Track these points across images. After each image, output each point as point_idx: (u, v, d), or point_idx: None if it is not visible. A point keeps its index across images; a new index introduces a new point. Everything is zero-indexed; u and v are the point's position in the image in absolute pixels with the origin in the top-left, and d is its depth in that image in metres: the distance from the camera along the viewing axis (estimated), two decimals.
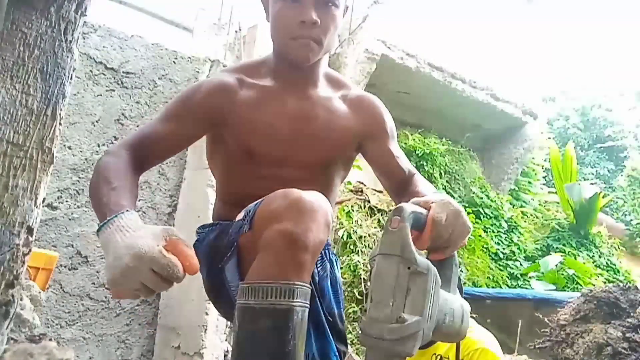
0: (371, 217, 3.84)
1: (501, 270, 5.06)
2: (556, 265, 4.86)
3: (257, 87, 1.18)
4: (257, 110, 1.15)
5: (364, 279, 3.26)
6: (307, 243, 0.86)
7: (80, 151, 2.87)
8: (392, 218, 0.86)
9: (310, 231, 0.86)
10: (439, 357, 1.58)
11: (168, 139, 1.10)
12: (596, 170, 12.02)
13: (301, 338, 0.85)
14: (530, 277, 4.92)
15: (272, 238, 0.87)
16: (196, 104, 1.12)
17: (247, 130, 1.14)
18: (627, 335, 1.60)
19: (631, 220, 8.09)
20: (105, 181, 0.91)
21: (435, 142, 5.38)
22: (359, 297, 3.27)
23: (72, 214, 2.81)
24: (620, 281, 5.37)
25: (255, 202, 1.01)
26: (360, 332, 0.85)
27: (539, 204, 6.50)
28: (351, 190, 3.95)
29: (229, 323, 2.89)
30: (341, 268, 3.16)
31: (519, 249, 5.53)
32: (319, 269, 1.15)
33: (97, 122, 2.93)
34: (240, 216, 1.05)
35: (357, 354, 2.80)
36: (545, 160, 6.73)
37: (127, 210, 0.83)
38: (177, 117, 1.12)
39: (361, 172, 3.12)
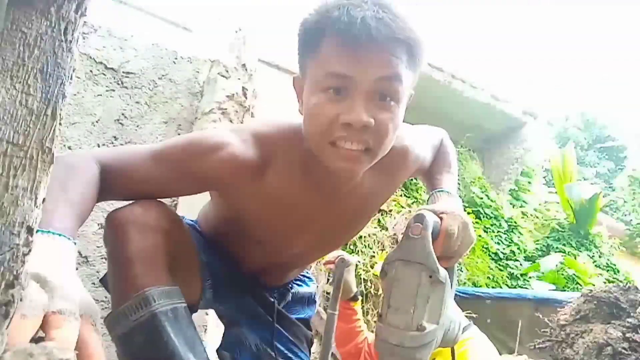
0: None
1: (501, 270, 5.05)
2: (556, 265, 4.86)
3: (283, 175, 0.93)
4: (276, 207, 0.96)
5: (364, 279, 3.25)
6: (129, 256, 0.82)
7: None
8: (413, 225, 0.85)
9: (128, 243, 0.82)
10: None
11: (155, 186, 0.89)
12: (596, 170, 12.02)
13: (182, 331, 0.83)
14: (530, 277, 4.92)
15: (107, 266, 0.87)
16: (204, 169, 0.89)
17: (259, 223, 1.00)
18: (627, 335, 1.60)
19: (631, 220, 8.09)
20: (63, 188, 0.73)
21: None
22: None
23: None
24: (620, 281, 5.37)
25: None
26: (375, 337, 0.84)
27: (539, 204, 6.50)
28: None
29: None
30: None
31: (519, 249, 5.53)
32: (276, 299, 1.21)
33: (97, 122, 2.93)
34: None
35: None
36: (545, 160, 6.72)
37: (75, 243, 0.68)
38: (175, 169, 0.89)
39: None
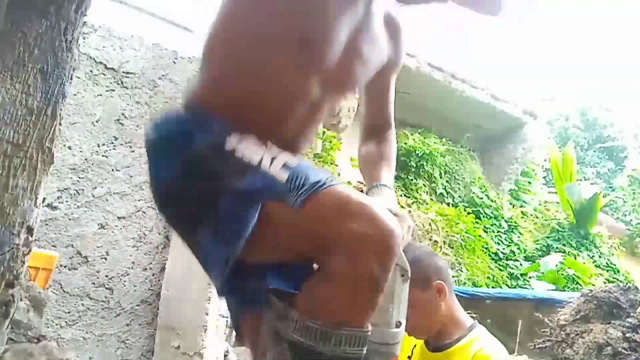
0: None
1: (501, 270, 5.06)
2: (556, 265, 4.86)
3: None
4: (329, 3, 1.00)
5: None
6: (384, 285, 0.76)
7: (80, 151, 2.87)
8: None
9: (388, 272, 0.76)
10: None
11: None
12: (596, 170, 12.03)
13: None
14: (530, 277, 4.93)
15: (351, 273, 0.74)
16: None
17: (307, 9, 0.97)
18: (627, 335, 1.60)
19: (631, 220, 8.10)
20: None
21: (435, 142, 5.38)
22: None
23: (72, 214, 2.81)
24: (620, 281, 5.37)
25: (310, 179, 0.79)
26: None
27: (539, 204, 6.50)
28: None
29: (229, 323, 2.89)
30: None
31: (519, 249, 5.53)
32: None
33: (97, 122, 2.93)
34: (280, 173, 0.80)
35: None
36: (545, 160, 6.73)
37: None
38: None
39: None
